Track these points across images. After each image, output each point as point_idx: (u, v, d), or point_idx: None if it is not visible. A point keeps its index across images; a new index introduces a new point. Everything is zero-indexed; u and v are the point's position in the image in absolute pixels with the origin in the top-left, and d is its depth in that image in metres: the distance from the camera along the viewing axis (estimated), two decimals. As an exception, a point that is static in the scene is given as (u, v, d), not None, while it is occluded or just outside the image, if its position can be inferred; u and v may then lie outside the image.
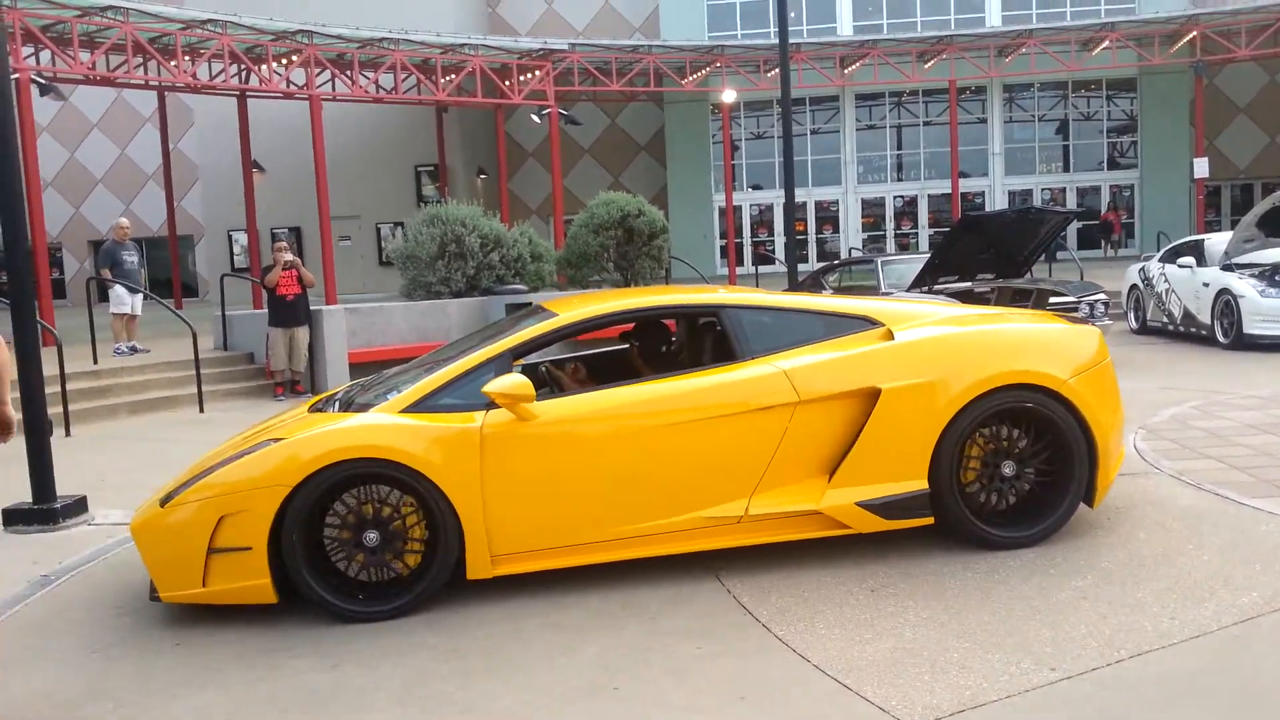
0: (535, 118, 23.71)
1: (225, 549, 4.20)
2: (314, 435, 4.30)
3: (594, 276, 16.16)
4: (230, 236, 27.66)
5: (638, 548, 4.47)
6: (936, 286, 11.71)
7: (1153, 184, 28.64)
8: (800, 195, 28.76)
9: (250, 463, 4.28)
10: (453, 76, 22.46)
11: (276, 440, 4.35)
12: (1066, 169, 29.70)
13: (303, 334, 11.85)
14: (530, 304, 6.00)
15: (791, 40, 15.11)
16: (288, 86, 20.47)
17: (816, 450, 4.57)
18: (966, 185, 28.01)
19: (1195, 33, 23.75)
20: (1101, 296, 11.55)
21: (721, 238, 28.54)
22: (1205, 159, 24.00)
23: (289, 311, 11.78)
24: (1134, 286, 14.69)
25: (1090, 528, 4.81)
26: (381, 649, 3.95)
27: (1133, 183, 29.23)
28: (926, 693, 3.30)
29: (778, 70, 25.76)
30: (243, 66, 19.93)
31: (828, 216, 29.52)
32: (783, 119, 14.82)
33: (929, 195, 29.34)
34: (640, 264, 15.96)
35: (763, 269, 23.49)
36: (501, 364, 4.56)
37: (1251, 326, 11.69)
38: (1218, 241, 13.49)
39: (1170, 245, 14.69)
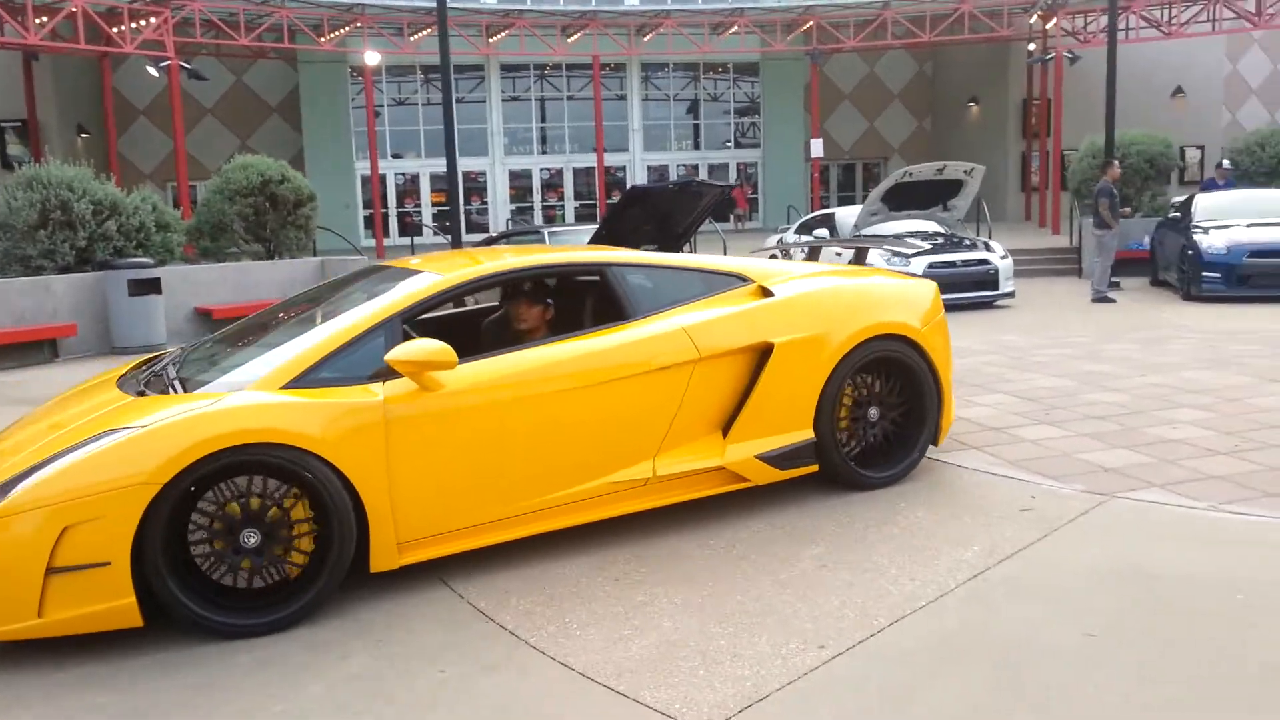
0: (153, 70, 21.08)
1: (71, 567, 3.34)
2: (190, 419, 3.52)
3: (231, 249, 14.64)
4: None
5: (548, 520, 4.23)
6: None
7: (774, 162, 31.04)
8: (444, 166, 28.14)
9: (103, 457, 3.42)
10: (46, 19, 19.37)
11: (121, 429, 3.52)
12: (698, 147, 31.40)
13: None
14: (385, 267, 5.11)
15: (433, 5, 14.51)
16: None
17: (713, 407, 4.59)
18: (609, 160, 28.74)
19: (811, 22, 25.88)
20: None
21: (366, 207, 27.22)
22: (820, 140, 26.27)
23: None
24: (774, 256, 15.68)
25: (797, 493, 4.85)
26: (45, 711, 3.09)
27: (756, 161, 31.50)
28: (706, 689, 3.06)
29: (421, 34, 24.96)
30: None
31: (475, 187, 29.09)
32: (442, 83, 14.17)
33: (574, 168, 29.81)
34: (285, 234, 14.67)
35: (416, 240, 22.61)
36: (391, 330, 4.09)
37: (879, 292, 12.83)
38: (847, 214, 14.72)
39: (804, 218, 15.87)
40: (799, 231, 15.38)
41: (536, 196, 29.75)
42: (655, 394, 4.43)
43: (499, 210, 29.04)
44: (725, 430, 4.60)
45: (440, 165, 27.57)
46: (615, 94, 29.72)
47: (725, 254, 12.56)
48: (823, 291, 4.98)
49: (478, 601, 3.80)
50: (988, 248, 13.50)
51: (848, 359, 4.78)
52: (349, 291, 4.83)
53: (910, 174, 13.55)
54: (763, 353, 4.64)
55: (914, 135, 34.42)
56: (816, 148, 26.32)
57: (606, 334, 4.48)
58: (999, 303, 13.19)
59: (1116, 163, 13.97)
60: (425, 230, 25.95)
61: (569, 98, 29.72)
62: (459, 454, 4.01)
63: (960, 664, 3.13)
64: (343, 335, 4.04)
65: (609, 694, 3.07)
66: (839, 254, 13.68)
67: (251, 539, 3.62)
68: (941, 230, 14.36)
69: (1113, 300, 12.92)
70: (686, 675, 3.15)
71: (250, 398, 3.72)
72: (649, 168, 30.21)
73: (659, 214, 12.03)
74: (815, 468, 4.77)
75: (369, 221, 26.33)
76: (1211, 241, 12.21)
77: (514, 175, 29.53)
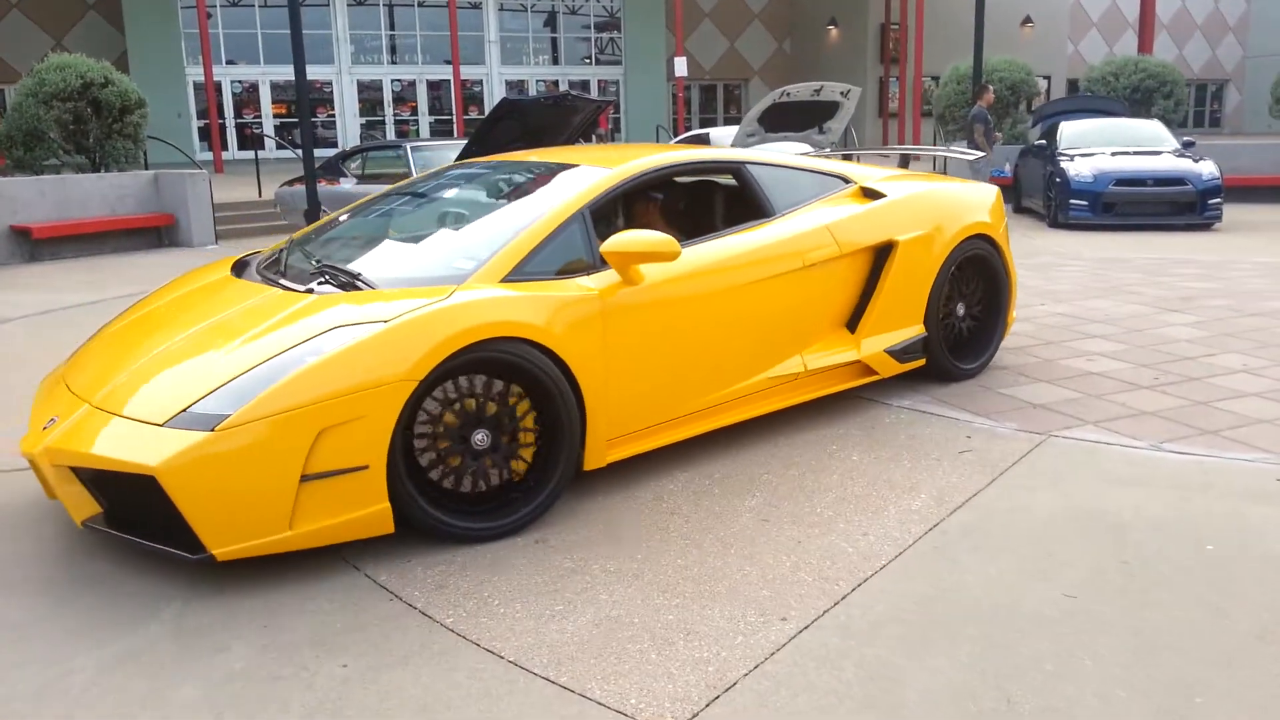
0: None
1: (326, 473, 3.16)
2: (440, 311, 3.37)
3: (49, 160, 13.13)
4: None
5: (716, 417, 4.31)
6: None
7: (635, 80, 30.28)
8: (287, 74, 26.28)
9: (357, 354, 3.22)
10: None
11: (356, 324, 3.32)
12: (556, 62, 30.31)
13: None
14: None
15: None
16: None
17: (842, 303, 4.80)
18: (465, 73, 27.37)
19: (675, -65, 25.06)
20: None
21: (200, 118, 25.17)
22: (684, 59, 25.63)
23: None
24: (645, 178, 15.18)
25: (726, 436, 4.46)
26: None
27: (618, 78, 30.67)
28: (663, 677, 2.63)
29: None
30: None
31: (320, 98, 27.24)
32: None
33: (428, 81, 28.32)
34: (112, 145, 13.23)
35: (261, 154, 20.97)
36: (582, 223, 4.02)
37: (757, 216, 12.53)
38: (723, 135, 14.30)
39: (681, 137, 15.36)
40: (672, 152, 14.90)
41: (388, 110, 28.16)
42: (806, 288, 4.60)
43: (348, 123, 27.36)
44: (852, 326, 4.82)
45: (281, 73, 25.75)
46: (470, 3, 28.25)
47: None
48: (928, 193, 5.16)
49: (377, 574, 3.26)
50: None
51: (951, 257, 5.04)
52: (487, 185, 4.79)
53: (788, 94, 13.12)
54: (880, 251, 4.85)
55: (774, 57, 34.25)
56: (680, 66, 25.70)
57: (764, 228, 4.56)
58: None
59: (990, 88, 13.96)
60: (268, 143, 24.19)
61: (420, 4, 28.07)
62: (653, 348, 4.01)
63: (942, 637, 2.80)
64: (544, 229, 3.92)
65: (551, 688, 2.61)
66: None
67: (481, 439, 3.50)
68: (816, 153, 14.12)
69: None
70: (637, 661, 2.72)
71: (484, 292, 3.56)
72: (507, 82, 29.02)
73: (532, 129, 11.32)
74: (923, 361, 5.05)
75: (204, 133, 24.34)
76: (1078, 169, 12.36)
77: (363, 86, 27.81)
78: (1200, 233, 11.79)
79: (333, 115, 27.34)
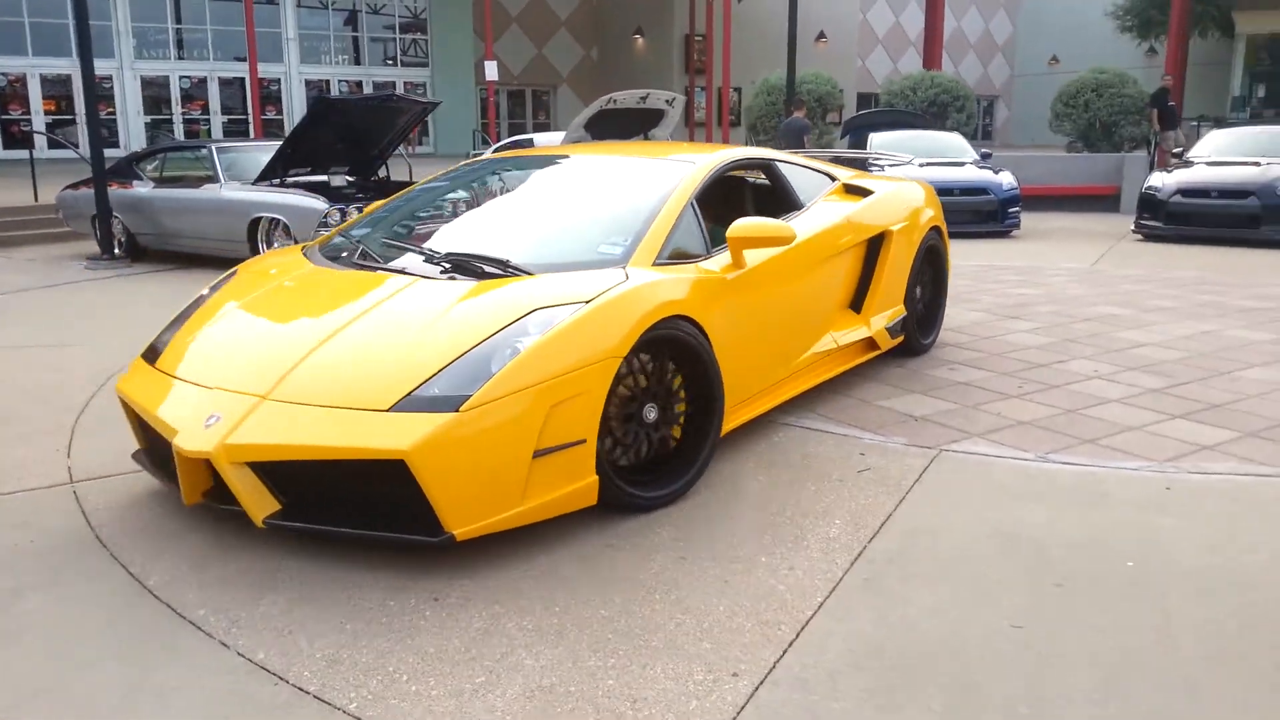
0: None
1: (554, 448, 3.31)
2: (632, 292, 3.63)
3: None
4: None
5: (781, 391, 4.68)
6: (290, 179, 10.24)
7: (443, 83, 29.50)
8: (59, 67, 24.05)
9: (573, 334, 3.39)
10: None
11: (553, 306, 3.50)
12: (359, 62, 29.14)
13: None
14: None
15: None
16: None
17: (851, 285, 5.37)
18: (261, 70, 25.83)
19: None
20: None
21: (-47, 113, 22.64)
22: (495, 62, 25.14)
23: None
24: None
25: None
26: None
27: (425, 80, 29.79)
28: (619, 758, 2.32)
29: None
30: None
31: (100, 94, 25.01)
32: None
33: (220, 78, 26.58)
34: None
35: (30, 153, 18.96)
36: (693, 209, 4.41)
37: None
38: (547, 141, 13.99)
39: (502, 143, 14.93)
40: (494, 157, 14.46)
41: (176, 108, 26.21)
42: (836, 272, 5.13)
43: (130, 122, 25.28)
44: (855, 308, 5.36)
45: (52, 67, 23.57)
46: (265, -2, 26.71)
47: (411, 179, 11.37)
48: (901, 189, 5.89)
49: (254, 652, 2.77)
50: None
51: (921, 245, 5.77)
52: (578, 175, 5.01)
53: (615, 100, 13.01)
54: (873, 240, 5.42)
55: (582, 64, 34.23)
56: (491, 70, 25.17)
57: (802, 218, 5.04)
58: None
59: (802, 100, 14.30)
60: (39, 141, 21.99)
61: (211, -3, 26.31)
62: (751, 327, 4.33)
63: (907, 683, 2.61)
64: (671, 215, 4.24)
65: (494, 784, 2.24)
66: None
67: (651, 413, 3.73)
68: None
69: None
70: (586, 739, 2.39)
71: (652, 274, 3.82)
72: (307, 82, 27.62)
73: (353, 130, 10.70)
74: (902, 338, 5.70)
75: (-42, 129, 21.90)
76: (893, 179, 12.80)
77: (147, 83, 25.76)
78: (1002, 240, 12.44)
79: (113, 113, 25.19)
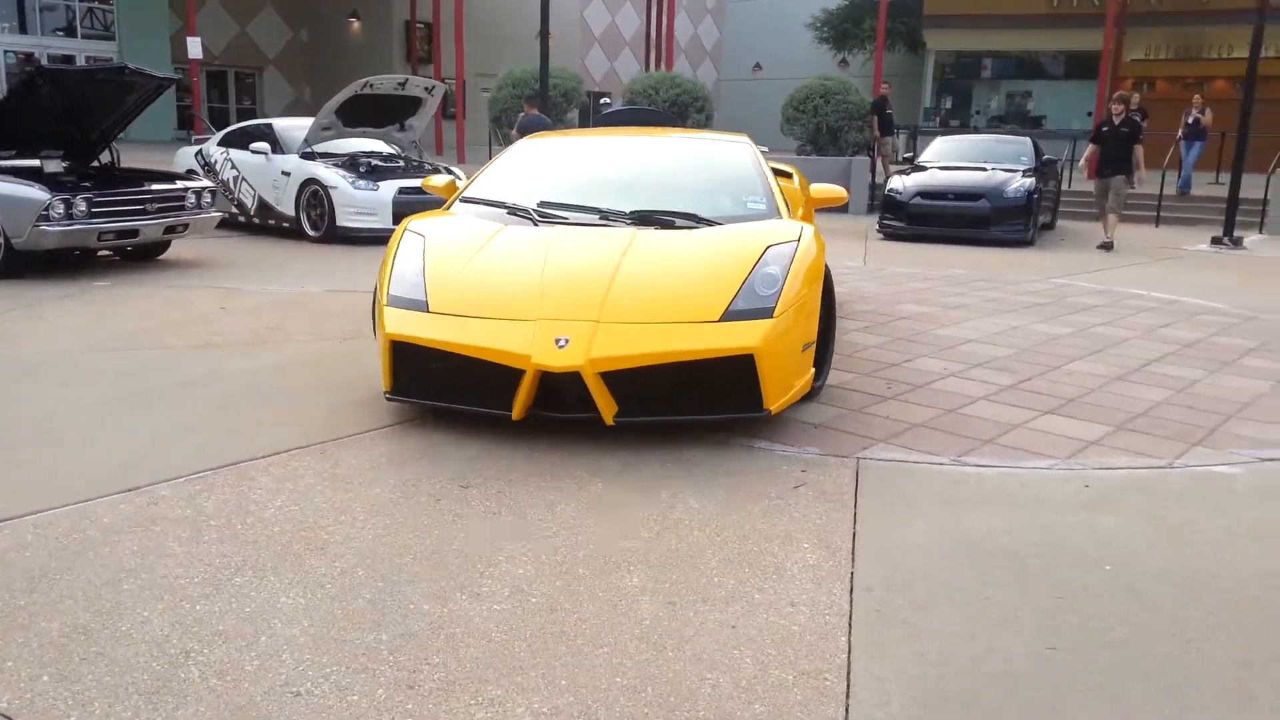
0: None
1: (807, 345, 4.50)
2: (812, 231, 4.88)
3: None
4: None
5: None
6: (-2, 163, 8.65)
7: (133, 59, 26.45)
8: None
9: (804, 260, 4.55)
10: None
11: (780, 243, 4.61)
12: (25, 30, 25.61)
13: None
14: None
15: None
16: None
17: None
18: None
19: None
20: (206, 184, 9.85)
21: None
22: (199, 39, 22.89)
23: None
24: (191, 173, 13.09)
25: (534, 491, 3.70)
26: None
27: (111, 55, 26.67)
28: None
29: None
30: None
31: None
32: None
33: None
34: None
35: None
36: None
37: (345, 219, 11.36)
38: (290, 127, 12.79)
39: (233, 128, 13.48)
40: (225, 144, 13.03)
41: None
42: None
43: None
44: None
45: None
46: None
47: (117, 163, 9.86)
48: (794, 181, 6.82)
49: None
50: (450, 173, 12.65)
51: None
52: (672, 148, 6.34)
53: (371, 85, 12.11)
54: None
55: (290, 46, 32.08)
56: (195, 47, 22.85)
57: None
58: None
59: (534, 97, 14.06)
60: None
61: None
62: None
63: (988, 728, 2.39)
64: (771, 179, 5.64)
65: None
66: (287, 174, 11.88)
67: None
68: (396, 152, 13.20)
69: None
70: None
71: (803, 223, 5.03)
72: (-36, 51, 23.89)
73: (71, 107, 9.18)
74: None
75: None
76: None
77: None
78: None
79: None
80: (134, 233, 8.69)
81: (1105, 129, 12.55)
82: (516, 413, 4.16)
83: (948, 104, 27.86)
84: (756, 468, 4.07)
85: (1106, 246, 12.41)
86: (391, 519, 3.49)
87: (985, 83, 27.87)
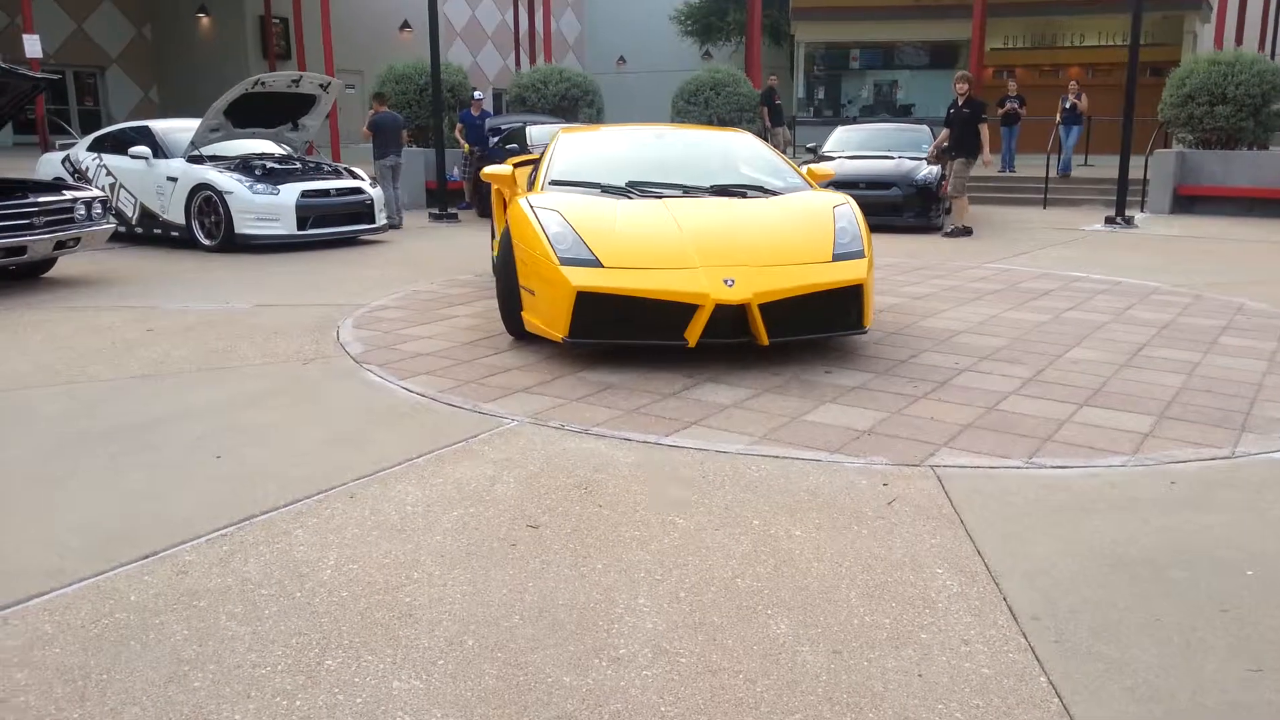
0: None
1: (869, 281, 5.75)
2: (849, 196, 6.48)
3: None
4: None
5: None
6: None
7: (-40, 60, 24.31)
8: None
9: (857, 216, 5.92)
10: None
11: (839, 204, 6.04)
12: None
13: None
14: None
15: None
16: None
17: None
18: None
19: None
20: (95, 193, 8.91)
21: None
22: (37, 37, 21.13)
23: None
24: (59, 180, 11.89)
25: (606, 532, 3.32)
26: None
27: (-67, 56, 24.36)
28: None
29: None
30: None
31: None
32: None
33: None
34: None
35: None
36: None
37: (244, 226, 10.56)
38: (172, 129, 11.81)
39: (104, 131, 12.35)
40: (97, 149, 11.94)
41: None
42: None
43: None
44: None
45: None
46: None
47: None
48: None
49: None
50: (353, 174, 11.93)
51: None
52: (705, 138, 7.64)
53: (263, 83, 11.27)
54: None
55: (134, 44, 30.04)
56: (33, 45, 21.05)
57: None
58: (372, 237, 11.84)
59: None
60: None
61: None
62: None
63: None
64: (786, 161, 7.02)
65: None
66: (173, 179, 10.94)
67: None
68: (289, 153, 12.37)
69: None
70: None
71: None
72: None
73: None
74: None
75: None
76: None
77: None
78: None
79: None
80: (21, 250, 7.78)
81: (951, 111, 12.45)
82: (693, 340, 5.10)
83: (820, 94, 28.25)
84: (835, 485, 3.78)
85: (960, 232, 12.20)
86: (472, 571, 3.05)
87: (854, 73, 28.39)
